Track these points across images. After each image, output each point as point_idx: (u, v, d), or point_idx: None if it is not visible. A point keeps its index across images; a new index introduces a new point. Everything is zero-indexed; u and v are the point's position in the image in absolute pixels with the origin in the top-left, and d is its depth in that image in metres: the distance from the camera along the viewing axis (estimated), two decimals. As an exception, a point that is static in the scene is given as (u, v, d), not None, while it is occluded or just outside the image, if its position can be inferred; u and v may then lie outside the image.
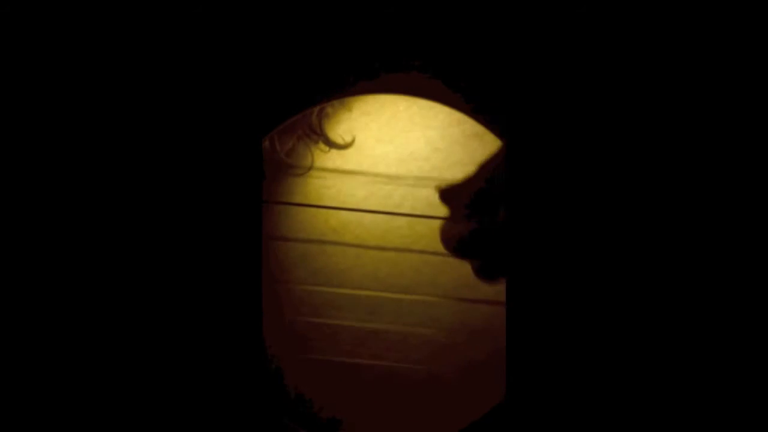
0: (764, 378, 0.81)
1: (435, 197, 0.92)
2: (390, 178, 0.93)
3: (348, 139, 0.96)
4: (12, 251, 0.88)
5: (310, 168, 0.97)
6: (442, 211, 0.92)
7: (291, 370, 0.95)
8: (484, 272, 0.88)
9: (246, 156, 0.87)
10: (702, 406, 0.81)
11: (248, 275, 0.86)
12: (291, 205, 0.96)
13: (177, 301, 0.86)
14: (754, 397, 0.81)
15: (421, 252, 0.92)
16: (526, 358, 0.82)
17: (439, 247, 0.90)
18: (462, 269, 0.90)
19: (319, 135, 0.97)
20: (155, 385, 0.86)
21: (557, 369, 0.82)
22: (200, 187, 0.86)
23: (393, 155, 0.93)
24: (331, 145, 0.96)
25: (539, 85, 0.83)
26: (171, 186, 0.87)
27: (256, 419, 0.87)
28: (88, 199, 0.88)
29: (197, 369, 0.86)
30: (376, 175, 0.93)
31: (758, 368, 0.81)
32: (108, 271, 0.87)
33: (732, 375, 0.81)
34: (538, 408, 0.82)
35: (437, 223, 0.91)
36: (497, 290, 0.88)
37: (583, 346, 0.81)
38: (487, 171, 0.89)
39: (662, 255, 0.81)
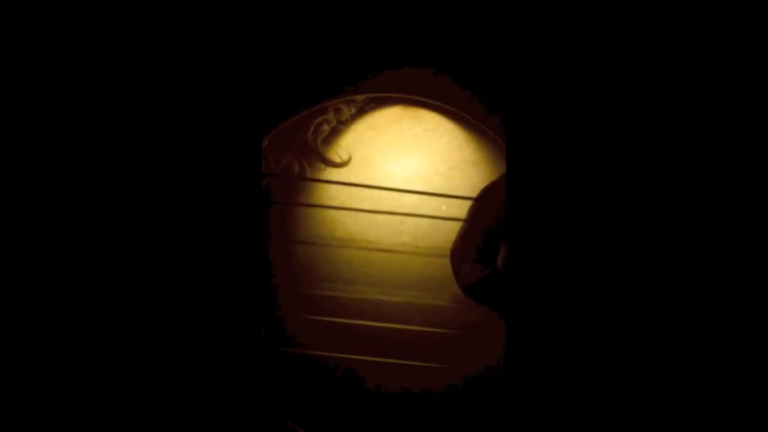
0: (764, 378, 0.82)
1: (439, 213, 0.99)
2: (395, 197, 0.99)
3: (344, 157, 0.99)
4: (13, 251, 0.87)
5: (305, 188, 0.99)
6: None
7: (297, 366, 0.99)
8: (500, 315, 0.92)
9: (246, 156, 0.88)
10: (700, 404, 0.83)
11: (248, 272, 0.87)
12: (298, 208, 0.99)
13: (177, 299, 0.87)
14: (753, 396, 0.82)
15: (429, 255, 0.97)
16: (526, 358, 0.84)
17: (441, 266, 0.98)
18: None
19: (314, 153, 0.99)
20: (158, 384, 0.88)
21: (556, 367, 0.84)
22: (200, 186, 0.87)
23: (398, 173, 0.99)
24: (327, 163, 0.99)
25: (539, 84, 0.85)
26: (171, 185, 0.87)
27: (256, 419, 0.89)
28: (89, 199, 0.87)
29: (198, 367, 0.88)
30: (381, 189, 0.99)
31: (757, 368, 0.82)
32: (108, 270, 0.87)
33: (726, 371, 0.83)
34: (537, 406, 0.84)
35: (438, 241, 0.97)
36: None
37: (581, 346, 0.84)
38: (490, 205, 0.93)
39: (657, 255, 0.83)
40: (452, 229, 0.97)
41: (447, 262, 0.96)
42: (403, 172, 0.99)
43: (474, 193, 0.98)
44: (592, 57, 0.85)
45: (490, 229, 0.92)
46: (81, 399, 0.87)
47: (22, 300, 0.87)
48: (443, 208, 0.98)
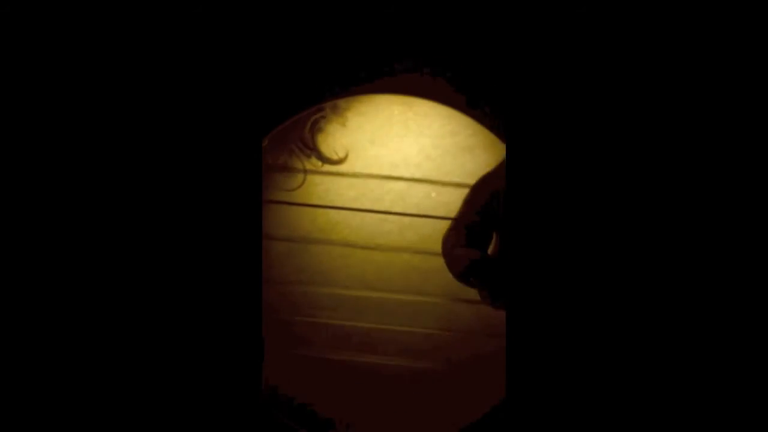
0: (764, 378, 0.81)
1: (425, 204, 0.93)
2: (381, 182, 0.93)
3: (341, 154, 0.95)
4: (10, 251, 0.86)
5: (302, 184, 0.96)
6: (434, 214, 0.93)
7: (276, 367, 0.94)
8: (492, 299, 0.88)
9: (246, 156, 0.86)
10: (701, 406, 0.82)
11: (247, 274, 0.85)
12: (278, 204, 0.95)
13: (176, 300, 0.85)
14: (754, 397, 0.81)
15: (413, 252, 0.93)
16: (526, 358, 0.82)
17: (427, 258, 0.92)
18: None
19: (311, 150, 0.95)
20: (154, 384, 0.85)
21: (557, 369, 0.82)
22: (200, 186, 0.85)
23: (386, 159, 0.94)
24: (324, 160, 0.95)
25: (540, 85, 0.83)
26: (171, 186, 0.85)
27: (255, 418, 0.86)
28: (88, 198, 0.86)
29: (196, 367, 0.86)
30: (367, 176, 0.94)
31: (758, 368, 0.81)
32: (108, 270, 0.85)
33: (732, 375, 0.81)
34: (537, 408, 0.82)
35: (427, 230, 0.92)
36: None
37: (582, 346, 0.82)
38: (487, 193, 0.89)
39: (660, 255, 0.81)
40: (439, 219, 0.90)
41: (433, 253, 0.90)
42: (391, 158, 0.93)
43: (467, 180, 0.91)
44: (591, 56, 0.83)
45: (484, 219, 0.87)
46: (79, 399, 0.86)
47: (17, 299, 0.86)
48: (433, 195, 0.92)
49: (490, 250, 0.89)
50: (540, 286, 0.82)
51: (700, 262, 0.81)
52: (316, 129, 0.96)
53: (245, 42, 0.86)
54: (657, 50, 0.82)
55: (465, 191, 0.90)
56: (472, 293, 0.88)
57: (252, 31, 0.87)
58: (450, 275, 0.89)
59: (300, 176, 0.96)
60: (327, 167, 0.95)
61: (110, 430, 0.86)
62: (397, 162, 0.93)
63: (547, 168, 0.82)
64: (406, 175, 0.93)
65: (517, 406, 0.82)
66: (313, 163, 0.96)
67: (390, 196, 0.93)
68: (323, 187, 0.94)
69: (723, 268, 0.81)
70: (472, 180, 0.92)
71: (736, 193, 0.81)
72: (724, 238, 0.81)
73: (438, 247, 0.91)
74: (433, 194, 0.92)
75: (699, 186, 0.82)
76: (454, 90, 0.86)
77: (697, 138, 0.82)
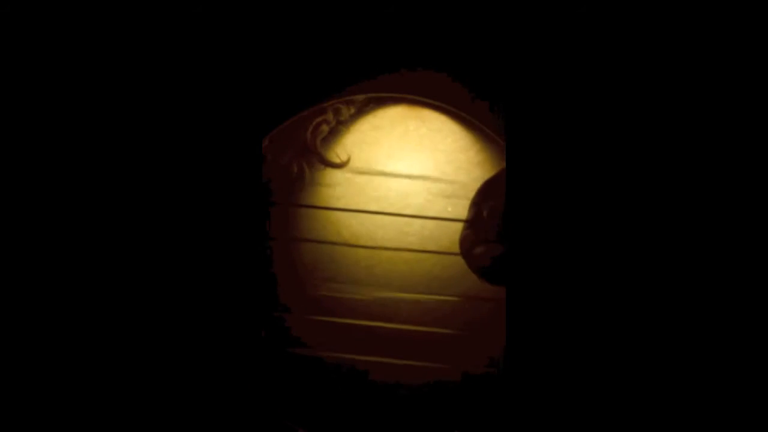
0: (764, 378, 0.82)
1: (446, 214, 0.99)
2: (401, 196, 0.98)
3: (344, 157, 0.99)
4: (16, 252, 0.87)
5: (304, 187, 0.98)
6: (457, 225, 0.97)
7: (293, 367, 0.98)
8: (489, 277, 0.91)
9: (246, 156, 0.88)
10: (700, 404, 0.83)
11: (247, 273, 0.88)
12: (302, 209, 0.98)
13: (177, 299, 0.87)
14: (752, 396, 0.82)
15: (435, 253, 0.97)
16: (527, 357, 0.85)
17: (448, 266, 0.98)
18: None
19: (313, 153, 0.98)
20: (159, 384, 0.88)
21: (557, 367, 0.84)
22: (200, 186, 0.87)
23: (404, 174, 0.99)
24: (326, 163, 0.98)
25: (540, 83, 0.85)
26: (171, 186, 0.87)
27: (255, 418, 0.89)
28: (88, 199, 0.87)
29: (199, 368, 0.88)
30: (388, 190, 0.99)
31: (757, 368, 0.82)
32: (109, 271, 0.87)
33: (728, 371, 0.83)
34: (537, 407, 0.85)
35: (446, 242, 0.97)
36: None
37: (582, 345, 0.84)
38: (493, 194, 0.92)
39: (657, 253, 0.83)
40: (458, 231, 0.96)
41: (453, 261, 0.96)
42: (408, 172, 0.98)
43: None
44: (592, 56, 0.85)
45: (496, 215, 0.91)
46: (81, 399, 0.87)
47: (24, 300, 0.87)
48: (449, 209, 0.98)
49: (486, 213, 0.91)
50: (537, 281, 0.85)
51: (696, 263, 0.84)
52: (318, 132, 0.98)
53: (245, 44, 0.88)
54: (657, 50, 0.84)
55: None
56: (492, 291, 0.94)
57: (253, 33, 0.89)
58: (468, 277, 0.94)
59: (303, 178, 0.98)
60: (349, 179, 0.99)
61: (112, 429, 0.87)
62: (415, 177, 0.99)
63: (544, 168, 0.85)
64: (423, 190, 0.98)
65: (519, 405, 0.85)
66: (316, 167, 0.98)
67: (409, 210, 0.98)
68: (344, 202, 0.99)
69: (715, 262, 0.83)
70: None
71: (735, 191, 0.83)
72: (717, 235, 0.83)
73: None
74: (449, 209, 0.98)
75: (700, 188, 0.84)
76: (458, 88, 0.90)
77: (696, 142, 0.83)
